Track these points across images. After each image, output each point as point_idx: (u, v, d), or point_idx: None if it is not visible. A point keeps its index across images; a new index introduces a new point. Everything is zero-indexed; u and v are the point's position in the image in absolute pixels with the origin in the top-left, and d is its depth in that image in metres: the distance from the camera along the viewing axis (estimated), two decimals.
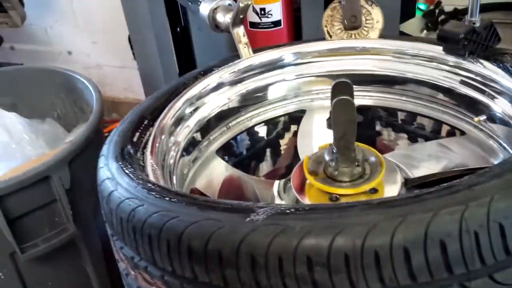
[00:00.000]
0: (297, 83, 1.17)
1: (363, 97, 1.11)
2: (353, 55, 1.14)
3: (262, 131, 1.20)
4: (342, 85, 0.84)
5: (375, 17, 1.16)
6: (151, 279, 0.70)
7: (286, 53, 1.15)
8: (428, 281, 0.59)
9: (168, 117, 0.96)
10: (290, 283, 0.60)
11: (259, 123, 1.17)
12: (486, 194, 0.61)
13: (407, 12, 1.64)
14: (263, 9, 1.50)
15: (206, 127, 1.08)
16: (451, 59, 1.03)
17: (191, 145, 1.04)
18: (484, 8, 2.14)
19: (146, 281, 0.72)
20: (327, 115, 1.14)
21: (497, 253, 0.60)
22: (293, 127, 1.20)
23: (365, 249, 0.58)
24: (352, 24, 1.16)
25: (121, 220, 0.72)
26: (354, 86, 0.86)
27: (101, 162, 0.84)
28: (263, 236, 0.61)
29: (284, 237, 0.60)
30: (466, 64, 1.01)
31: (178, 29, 1.78)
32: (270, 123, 1.19)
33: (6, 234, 1.27)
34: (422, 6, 1.84)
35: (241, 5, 1.01)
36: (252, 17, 1.53)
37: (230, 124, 1.14)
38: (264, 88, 1.16)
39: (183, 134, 0.99)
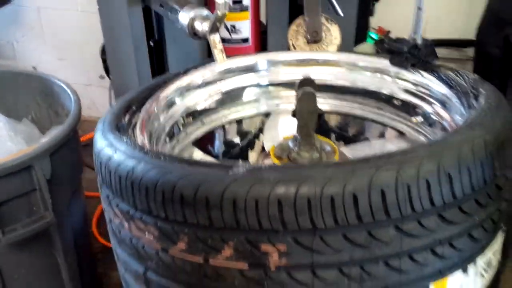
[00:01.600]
0: (265, 88, 1.35)
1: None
2: (316, 65, 1.33)
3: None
4: (307, 81, 1.02)
5: (334, 33, 1.36)
6: (144, 226, 0.84)
7: (260, 60, 1.33)
8: (371, 222, 0.76)
9: (154, 105, 1.11)
10: (264, 222, 0.75)
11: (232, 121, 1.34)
12: (417, 158, 0.78)
13: (360, 36, 1.85)
14: (233, 26, 1.68)
15: (184, 120, 1.23)
16: (395, 70, 1.23)
17: (172, 134, 1.18)
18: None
19: (139, 229, 0.85)
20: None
21: (424, 203, 0.78)
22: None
23: (323, 196, 0.74)
24: (314, 38, 1.35)
25: (119, 178, 0.85)
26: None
27: (98, 135, 0.97)
28: (243, 184, 0.76)
29: (260, 186, 0.75)
30: (407, 74, 1.21)
31: (151, 42, 1.93)
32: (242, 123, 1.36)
33: None
34: (374, 36, 2.07)
35: (219, 14, 1.18)
36: (223, 33, 1.69)
37: (204, 120, 1.30)
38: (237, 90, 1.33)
39: (169, 121, 1.15)
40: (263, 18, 1.83)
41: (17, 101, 1.88)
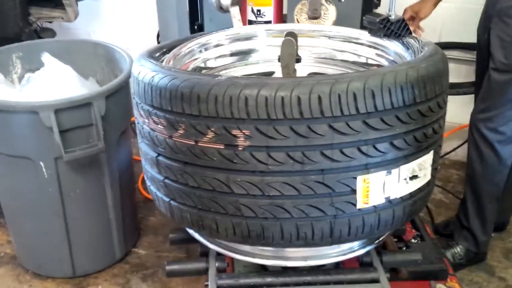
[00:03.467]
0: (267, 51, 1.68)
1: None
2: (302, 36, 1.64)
3: None
4: (290, 34, 1.35)
5: (331, 12, 1.69)
6: (157, 119, 1.19)
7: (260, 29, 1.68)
8: (310, 118, 1.07)
9: (180, 51, 1.48)
10: (235, 112, 1.08)
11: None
12: (349, 78, 1.09)
13: None
14: (259, 10, 2.03)
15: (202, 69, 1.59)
16: (367, 38, 1.55)
17: None
18: (446, 46, 2.66)
19: (154, 122, 1.20)
20: None
21: (351, 109, 1.08)
22: None
23: (276, 96, 1.07)
24: (314, 15, 1.67)
25: (144, 85, 1.21)
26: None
27: (134, 62, 1.33)
28: (223, 86, 1.09)
29: (234, 87, 1.09)
30: (378, 40, 1.52)
31: (195, 26, 2.33)
32: None
33: (56, 139, 1.76)
34: None
35: None
36: (250, 16, 2.05)
37: (220, 73, 1.65)
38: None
39: (190, 65, 1.51)
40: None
41: (85, 65, 2.32)
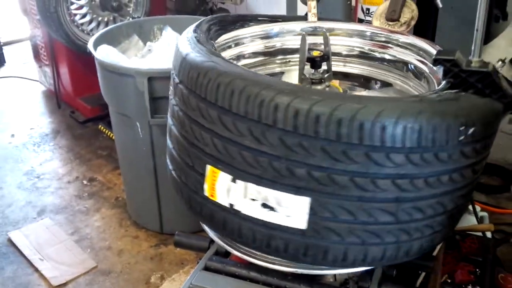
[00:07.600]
0: None
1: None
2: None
3: None
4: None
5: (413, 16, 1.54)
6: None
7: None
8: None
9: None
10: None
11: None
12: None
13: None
14: (368, 9, 1.94)
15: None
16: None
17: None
18: None
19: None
20: None
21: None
22: None
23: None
24: (391, 16, 1.54)
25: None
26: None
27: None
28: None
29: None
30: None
31: None
32: None
33: (146, 103, 1.98)
34: None
35: None
36: (359, 14, 1.98)
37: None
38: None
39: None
40: None
41: None
